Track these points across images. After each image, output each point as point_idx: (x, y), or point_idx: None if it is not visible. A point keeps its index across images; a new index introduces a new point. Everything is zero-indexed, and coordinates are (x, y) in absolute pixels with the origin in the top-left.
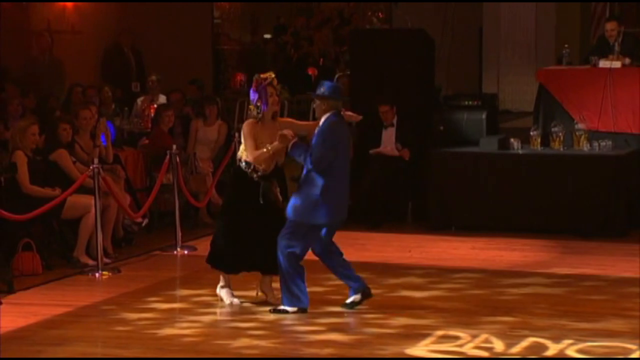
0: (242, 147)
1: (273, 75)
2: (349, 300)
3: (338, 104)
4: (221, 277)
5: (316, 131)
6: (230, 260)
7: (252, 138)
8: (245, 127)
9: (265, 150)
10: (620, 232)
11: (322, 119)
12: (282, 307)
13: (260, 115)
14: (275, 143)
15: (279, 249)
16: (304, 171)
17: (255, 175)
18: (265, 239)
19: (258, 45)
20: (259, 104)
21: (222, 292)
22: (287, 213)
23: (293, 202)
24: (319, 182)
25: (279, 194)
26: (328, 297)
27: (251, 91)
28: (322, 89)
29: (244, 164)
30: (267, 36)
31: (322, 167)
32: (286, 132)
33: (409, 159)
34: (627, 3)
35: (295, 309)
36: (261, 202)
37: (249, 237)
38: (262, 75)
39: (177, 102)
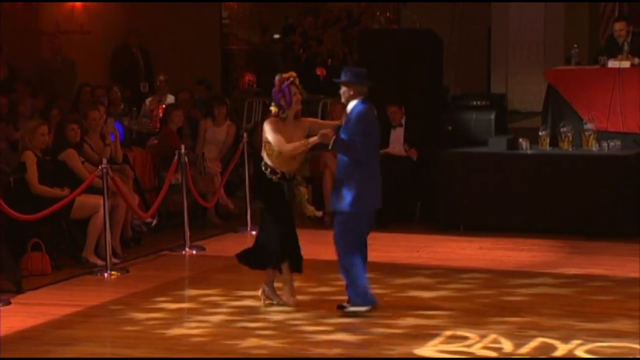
0: (264, 148)
1: (295, 75)
2: (346, 305)
3: (364, 89)
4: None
5: (348, 118)
6: (280, 256)
7: (279, 133)
8: (268, 125)
9: (302, 142)
10: (628, 233)
11: (350, 106)
12: (353, 309)
13: (284, 115)
14: (314, 138)
15: (340, 250)
16: (340, 164)
17: (274, 177)
18: (292, 238)
19: (266, 45)
20: (282, 104)
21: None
22: (336, 209)
23: (338, 196)
24: (359, 170)
25: (305, 195)
26: (336, 297)
27: (273, 91)
28: (348, 75)
29: (263, 166)
30: (276, 36)
31: (362, 156)
32: (326, 130)
33: (417, 159)
34: (636, 3)
35: (368, 307)
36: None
37: (288, 235)
38: (284, 75)
39: (186, 101)
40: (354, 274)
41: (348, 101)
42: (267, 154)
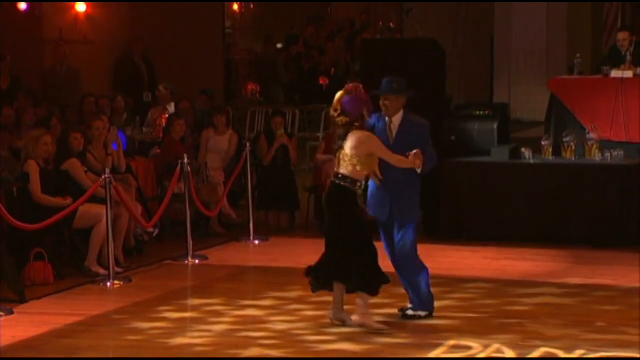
0: (347, 161)
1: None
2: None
3: (405, 99)
4: (364, 301)
5: (405, 131)
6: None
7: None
8: (367, 136)
9: (407, 161)
10: (633, 243)
11: (399, 118)
12: (416, 313)
13: (365, 125)
14: (418, 161)
15: (410, 255)
16: (400, 177)
17: (356, 188)
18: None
19: (269, 55)
20: (365, 113)
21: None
22: (413, 221)
23: (411, 208)
24: (418, 181)
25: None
26: None
27: (353, 99)
28: (393, 85)
29: (347, 179)
30: (279, 46)
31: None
32: (418, 151)
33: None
34: (639, 13)
35: (427, 312)
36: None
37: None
38: (359, 85)
39: (186, 111)
40: (425, 281)
41: (394, 112)
42: (352, 164)
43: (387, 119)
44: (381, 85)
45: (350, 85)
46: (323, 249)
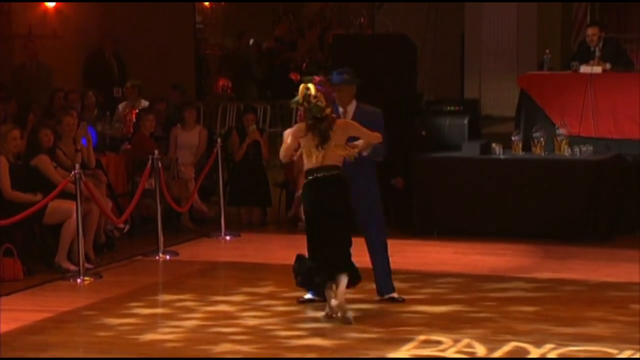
0: (340, 151)
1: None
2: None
3: (355, 88)
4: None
5: (363, 119)
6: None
7: None
8: (351, 122)
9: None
10: (602, 237)
11: (353, 107)
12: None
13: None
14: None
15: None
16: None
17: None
18: None
19: (242, 50)
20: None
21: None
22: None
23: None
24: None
25: None
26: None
27: (328, 90)
28: (345, 76)
29: (341, 169)
30: (252, 41)
31: None
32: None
33: (391, 164)
34: (607, 9)
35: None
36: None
37: None
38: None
39: (162, 112)
40: None
41: (349, 102)
42: (341, 153)
43: (340, 109)
44: (332, 77)
45: (320, 77)
46: (295, 245)
